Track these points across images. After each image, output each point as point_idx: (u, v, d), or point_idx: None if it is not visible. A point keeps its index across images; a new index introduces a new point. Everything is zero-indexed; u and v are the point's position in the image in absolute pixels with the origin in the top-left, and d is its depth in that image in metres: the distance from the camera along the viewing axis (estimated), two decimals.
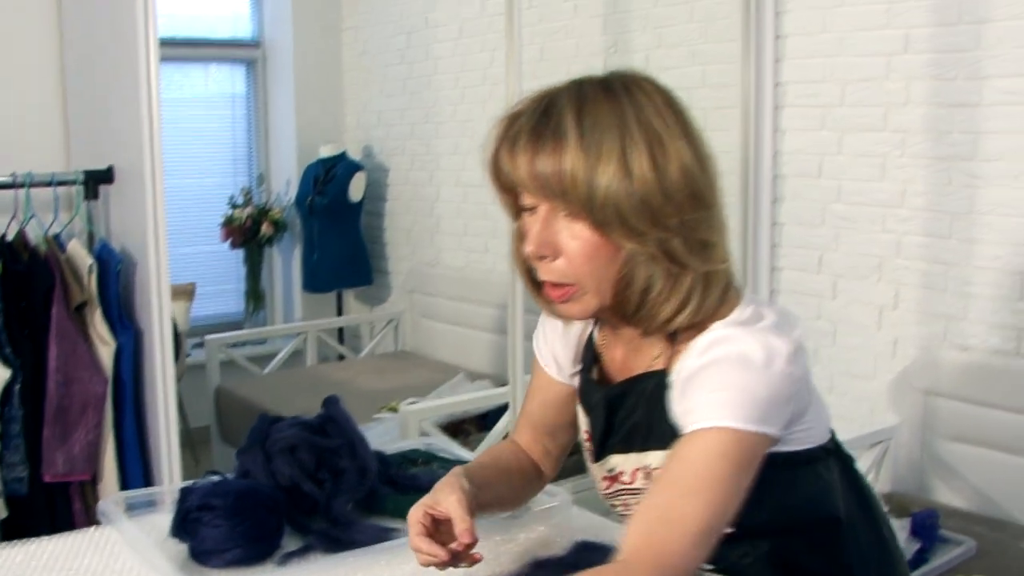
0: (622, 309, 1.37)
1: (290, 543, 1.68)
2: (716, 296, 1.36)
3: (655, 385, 1.40)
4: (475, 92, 5.24)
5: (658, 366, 1.42)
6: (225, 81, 6.13)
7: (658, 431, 1.39)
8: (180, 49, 5.68)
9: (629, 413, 1.45)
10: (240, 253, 5.92)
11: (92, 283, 2.94)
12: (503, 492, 1.59)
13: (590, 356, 1.56)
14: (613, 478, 1.48)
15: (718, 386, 1.29)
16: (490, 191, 1.43)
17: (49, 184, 3.07)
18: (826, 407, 1.49)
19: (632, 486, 1.46)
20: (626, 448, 1.46)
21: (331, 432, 1.85)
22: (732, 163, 3.87)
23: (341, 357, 5.91)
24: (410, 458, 2.03)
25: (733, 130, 3.86)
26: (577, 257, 1.34)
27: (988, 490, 3.18)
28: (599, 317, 1.47)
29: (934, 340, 3.36)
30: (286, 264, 6.22)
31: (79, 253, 2.98)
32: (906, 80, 3.40)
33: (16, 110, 3.35)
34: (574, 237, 1.33)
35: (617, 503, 1.51)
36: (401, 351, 5.79)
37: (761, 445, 1.31)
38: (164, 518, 1.75)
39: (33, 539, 1.75)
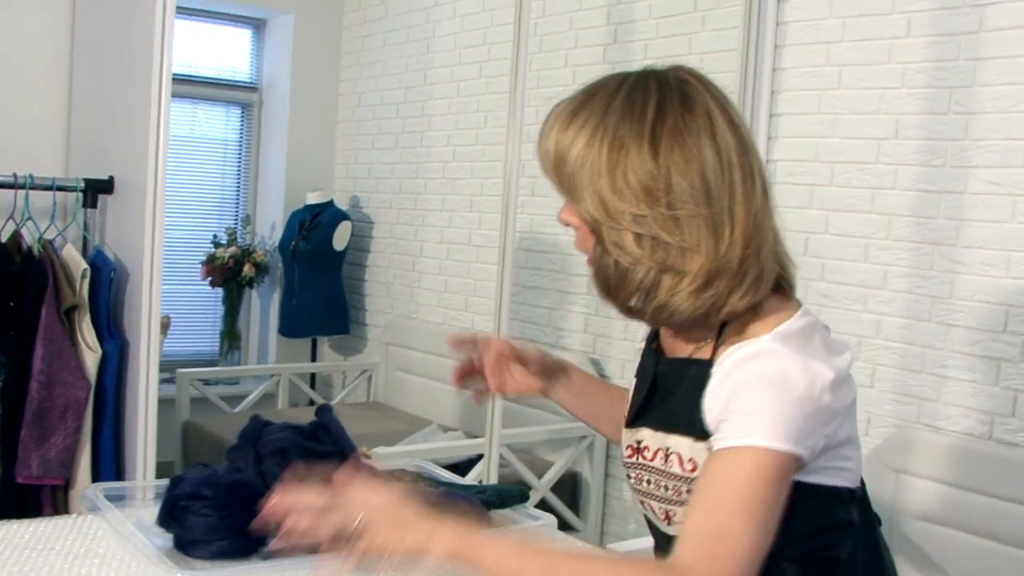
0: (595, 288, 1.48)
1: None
2: (692, 301, 1.40)
3: (696, 373, 1.44)
4: (466, 152, 5.29)
5: (703, 355, 1.46)
6: (220, 120, 6.17)
7: (687, 418, 1.43)
8: (178, 86, 5.70)
9: (668, 393, 1.50)
10: (219, 292, 5.92)
11: (84, 288, 2.94)
12: (603, 399, 1.77)
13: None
14: (638, 450, 1.53)
15: (758, 405, 1.33)
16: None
17: (49, 188, 3.10)
18: (861, 454, 1.52)
19: (652, 464, 1.50)
20: (656, 426, 1.50)
21: (323, 439, 1.86)
22: None
23: (312, 403, 5.89)
24: (396, 476, 2.04)
25: None
26: (576, 232, 1.48)
27: (955, 572, 3.19)
28: None
29: (908, 420, 3.40)
30: (264, 307, 6.22)
31: (73, 257, 2.99)
32: (895, 164, 3.47)
33: (21, 114, 3.39)
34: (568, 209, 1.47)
35: (632, 475, 1.55)
36: (373, 401, 5.78)
37: (794, 466, 1.35)
38: (141, 511, 1.75)
39: (13, 520, 1.74)
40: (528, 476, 4.12)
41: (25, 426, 2.86)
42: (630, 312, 1.45)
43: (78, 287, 2.95)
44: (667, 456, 1.47)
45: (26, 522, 1.73)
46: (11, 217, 3.07)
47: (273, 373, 5.71)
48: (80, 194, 3.14)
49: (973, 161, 3.27)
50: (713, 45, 4.11)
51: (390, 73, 5.88)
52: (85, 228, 3.17)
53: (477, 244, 5.19)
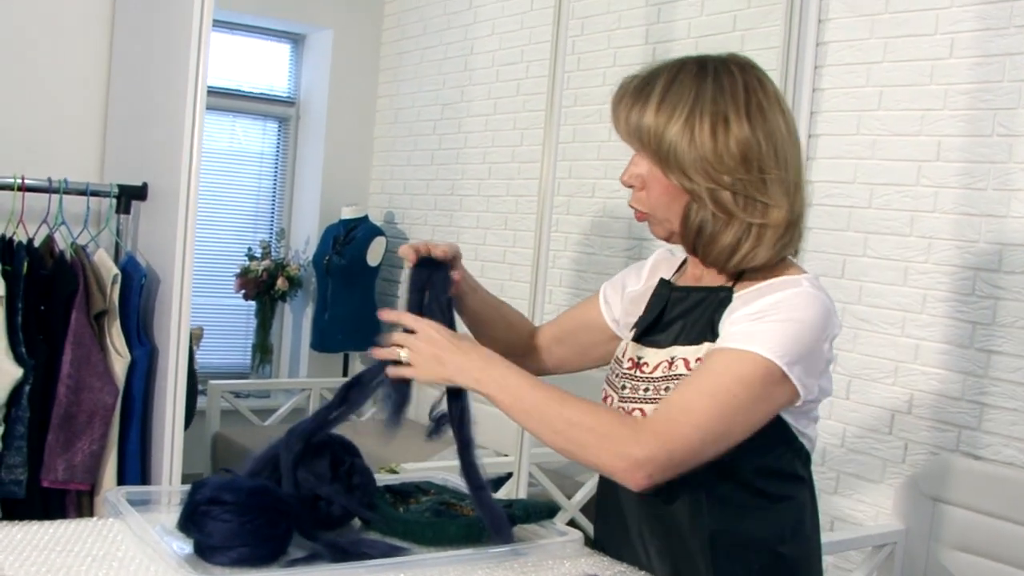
0: (685, 240, 1.70)
1: (296, 550, 1.65)
2: (769, 250, 1.64)
3: (712, 295, 1.70)
4: (502, 169, 5.28)
5: (725, 283, 1.71)
6: (257, 134, 6.19)
7: (694, 331, 1.68)
8: (215, 99, 5.74)
9: (680, 315, 1.73)
10: (252, 305, 5.92)
11: (115, 293, 2.94)
12: (495, 305, 2.08)
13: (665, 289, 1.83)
14: (638, 364, 1.74)
15: (769, 319, 1.58)
16: None
17: (83, 193, 3.10)
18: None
19: (652, 375, 1.70)
20: (662, 343, 1.72)
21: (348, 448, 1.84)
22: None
23: None
24: (423, 488, 2.01)
25: None
26: (649, 191, 1.69)
27: None
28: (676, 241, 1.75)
29: (946, 447, 3.33)
30: (296, 321, 6.22)
31: (105, 262, 2.99)
32: (936, 187, 3.42)
33: (57, 119, 3.41)
34: (647, 176, 1.68)
35: (627, 385, 1.75)
36: (405, 418, 5.74)
37: (780, 389, 1.57)
38: (163, 516, 1.73)
39: (33, 521, 1.72)
40: (558, 496, 4.07)
41: (52, 430, 2.85)
42: (712, 262, 1.69)
43: (108, 292, 2.95)
44: (671, 364, 1.68)
45: (47, 524, 1.71)
46: (44, 221, 3.08)
47: (304, 387, 5.70)
48: (114, 200, 3.14)
49: (1017, 184, 3.22)
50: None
51: (427, 89, 5.88)
52: (118, 234, 3.17)
53: (511, 262, 5.17)
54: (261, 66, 6.21)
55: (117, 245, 3.16)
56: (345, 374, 6.01)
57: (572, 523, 4.08)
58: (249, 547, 1.59)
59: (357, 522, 1.83)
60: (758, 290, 1.64)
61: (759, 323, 1.57)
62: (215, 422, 5.16)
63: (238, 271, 5.79)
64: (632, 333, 1.83)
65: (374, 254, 5.72)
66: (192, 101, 2.84)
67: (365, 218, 5.84)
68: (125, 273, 3.01)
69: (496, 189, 5.31)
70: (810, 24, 3.76)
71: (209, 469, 5.04)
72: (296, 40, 6.29)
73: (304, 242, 6.14)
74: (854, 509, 3.56)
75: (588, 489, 4.22)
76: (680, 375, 1.64)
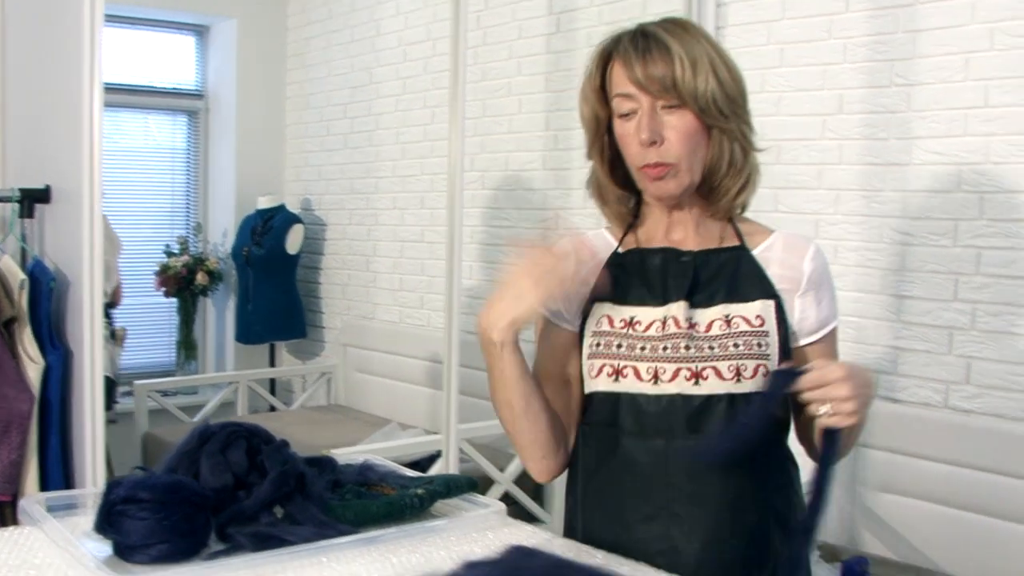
0: (707, 183, 1.75)
1: (217, 542, 1.64)
2: (756, 187, 1.78)
3: (736, 257, 1.77)
4: (415, 148, 5.27)
5: (733, 243, 1.78)
6: (167, 129, 6.12)
7: (742, 291, 1.74)
8: (121, 96, 5.66)
9: (714, 275, 1.75)
10: (174, 302, 5.87)
11: (23, 299, 2.89)
12: (540, 395, 1.82)
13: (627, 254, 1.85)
14: (692, 325, 1.73)
15: (828, 288, 1.80)
16: (584, 110, 1.81)
17: None
18: None
19: (709, 333, 1.72)
20: (708, 303, 1.74)
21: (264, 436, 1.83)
22: None
23: (272, 409, 5.84)
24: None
25: None
26: (680, 138, 1.70)
27: (916, 540, 3.20)
28: (680, 198, 1.77)
29: None
30: (220, 315, 6.17)
31: (11, 268, 2.94)
32: (840, 140, 3.48)
33: None
34: (675, 125, 1.70)
35: (666, 344, 1.72)
36: (334, 404, 5.75)
37: None
38: (85, 520, 1.71)
39: None
40: (490, 470, 4.09)
41: None
42: (722, 199, 1.75)
43: (17, 299, 2.90)
44: (728, 321, 1.72)
45: None
46: None
47: (231, 381, 5.66)
48: (16, 204, 3.08)
49: (916, 132, 3.28)
50: None
51: (336, 74, 5.84)
52: (23, 239, 3.11)
53: (430, 241, 5.17)
54: (167, 60, 6.12)
55: (23, 250, 3.11)
56: (272, 364, 5.98)
57: (506, 495, 4.11)
58: (169, 543, 1.57)
59: (279, 510, 1.82)
60: (771, 247, 1.77)
61: (829, 296, 1.79)
62: (143, 422, 5.11)
63: (157, 269, 5.73)
64: (603, 300, 1.80)
65: (293, 242, 5.69)
66: (88, 99, 2.80)
67: (282, 207, 5.81)
68: (33, 278, 2.95)
69: (410, 169, 5.30)
70: None
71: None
72: (200, 31, 6.22)
73: (222, 235, 6.09)
74: None
75: (519, 462, 4.23)
76: (743, 331, 1.71)
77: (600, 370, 1.77)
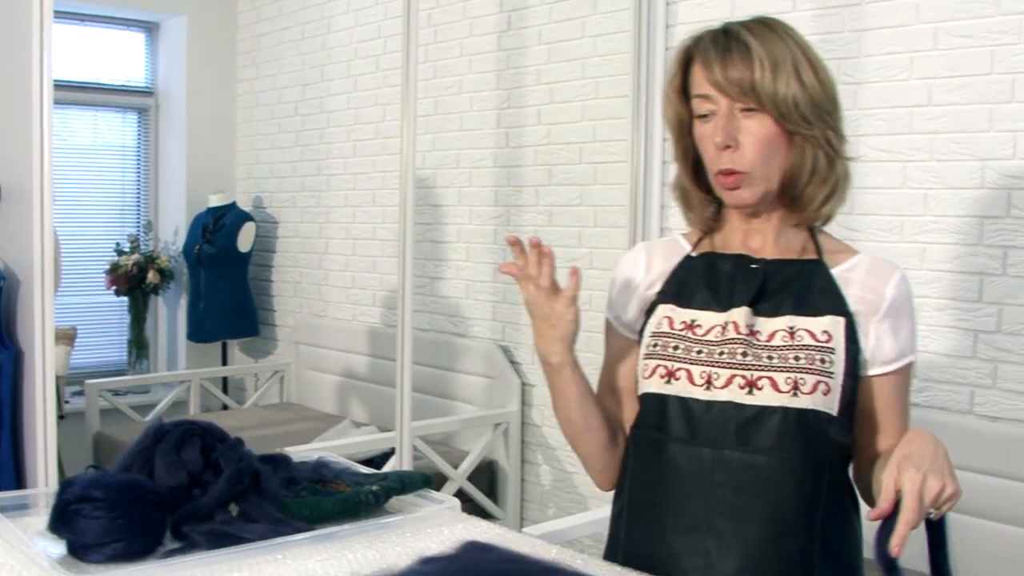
0: (789, 191, 1.70)
1: (173, 541, 1.64)
2: (845, 197, 1.74)
3: (811, 270, 1.71)
4: (367, 146, 5.27)
5: (810, 256, 1.73)
6: (117, 126, 6.07)
7: (811, 305, 1.68)
8: (71, 93, 5.62)
9: (784, 286, 1.70)
10: (125, 301, 5.83)
11: None
12: (600, 413, 1.82)
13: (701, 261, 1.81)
14: (752, 333, 1.68)
15: (911, 324, 1.71)
16: (667, 111, 1.77)
17: None
18: None
19: (770, 343, 1.67)
20: (774, 313, 1.69)
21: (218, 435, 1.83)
22: (622, 216, 3.96)
23: (225, 407, 5.82)
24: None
25: (623, 184, 3.95)
26: (755, 144, 1.65)
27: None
28: (758, 207, 1.72)
29: None
30: (171, 313, 6.14)
31: None
32: None
33: None
34: (753, 130, 1.65)
35: (723, 350, 1.69)
36: (286, 402, 5.74)
37: None
38: (39, 520, 1.70)
39: None
40: (444, 466, 4.11)
41: None
42: (807, 207, 1.71)
43: None
44: (792, 333, 1.66)
45: None
46: None
47: (183, 379, 5.64)
48: None
49: (864, 129, 3.33)
50: (605, 27, 4.13)
51: (287, 71, 5.83)
52: None
53: (382, 238, 5.17)
54: (116, 57, 6.08)
55: None
56: (224, 363, 5.96)
57: (460, 493, 4.13)
58: (124, 542, 1.57)
59: (234, 508, 1.82)
60: (853, 268, 1.71)
61: (909, 328, 1.71)
62: (95, 422, 5.07)
63: (107, 267, 5.69)
64: (666, 300, 1.78)
65: (245, 240, 5.67)
66: (39, 96, 2.78)
67: (233, 204, 5.79)
68: None
69: (362, 166, 5.31)
70: None
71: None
72: (150, 28, 6.18)
73: (173, 233, 6.06)
74: None
75: (473, 457, 4.26)
76: (807, 345, 1.63)
77: (654, 371, 1.73)
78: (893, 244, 3.26)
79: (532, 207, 4.39)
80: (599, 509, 3.45)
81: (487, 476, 4.44)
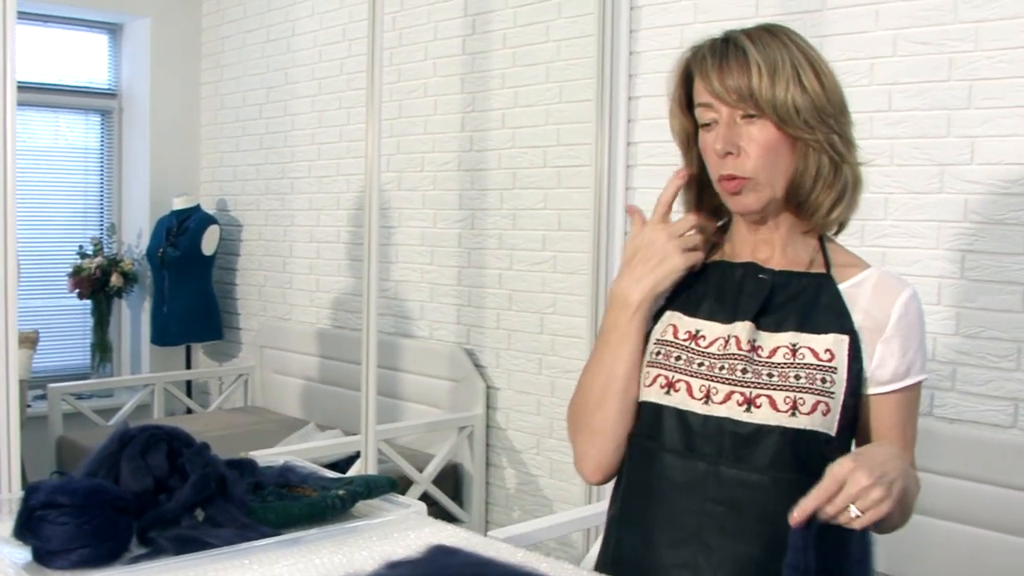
0: (795, 197, 1.68)
1: (139, 546, 1.64)
2: (856, 203, 1.73)
3: (818, 284, 1.69)
4: (331, 150, 5.27)
5: (818, 269, 1.72)
6: (79, 129, 6.04)
7: (816, 322, 1.66)
8: (33, 95, 5.59)
9: (790, 299, 1.69)
10: (88, 304, 5.80)
11: None
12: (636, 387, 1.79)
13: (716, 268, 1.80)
14: (754, 348, 1.67)
15: (919, 342, 1.69)
16: (672, 122, 1.80)
17: None
18: None
19: (771, 359, 1.65)
20: (777, 328, 1.68)
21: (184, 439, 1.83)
22: (586, 220, 3.98)
23: (189, 411, 5.80)
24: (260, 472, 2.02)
25: (587, 188, 3.97)
26: (757, 150, 1.64)
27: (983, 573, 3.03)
28: (764, 213, 1.71)
29: None
30: (135, 316, 6.11)
31: None
32: None
33: None
34: (754, 136, 1.64)
35: (724, 364, 1.67)
36: (251, 406, 5.73)
37: None
38: (3, 526, 1.70)
39: None
40: (409, 470, 4.11)
41: None
42: (813, 214, 1.69)
43: None
44: (794, 351, 1.65)
45: None
46: None
47: (147, 383, 5.62)
48: None
49: None
50: (569, 32, 4.15)
51: (251, 74, 5.82)
52: None
53: (346, 241, 5.18)
54: (79, 58, 6.05)
55: None
56: (188, 366, 5.94)
57: (425, 496, 4.13)
58: (90, 548, 1.57)
59: (200, 513, 1.83)
60: (861, 284, 1.69)
61: (916, 347, 1.68)
62: (58, 426, 5.04)
63: (70, 270, 5.66)
64: (673, 307, 1.78)
65: (209, 243, 5.66)
66: (2, 98, 2.77)
67: (197, 207, 5.78)
68: None
69: (326, 170, 5.31)
70: None
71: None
72: (113, 30, 6.15)
73: (136, 236, 6.03)
74: None
75: (438, 461, 4.27)
76: (808, 364, 1.62)
77: (654, 380, 1.73)
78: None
79: (497, 210, 4.41)
80: (564, 512, 3.46)
81: (452, 479, 4.44)
